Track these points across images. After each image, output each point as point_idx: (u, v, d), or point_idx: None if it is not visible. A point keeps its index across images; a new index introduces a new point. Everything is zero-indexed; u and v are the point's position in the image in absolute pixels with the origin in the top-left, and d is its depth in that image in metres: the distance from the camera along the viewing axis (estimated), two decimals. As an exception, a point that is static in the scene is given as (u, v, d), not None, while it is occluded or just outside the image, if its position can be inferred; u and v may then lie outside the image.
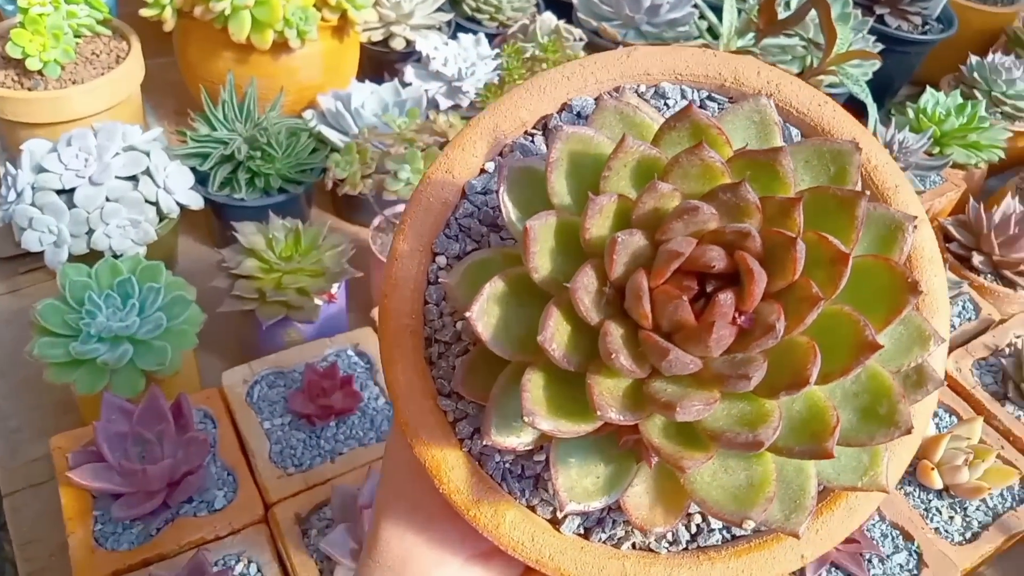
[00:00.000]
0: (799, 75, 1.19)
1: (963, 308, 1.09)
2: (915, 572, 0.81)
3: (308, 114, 1.14)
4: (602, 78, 0.36)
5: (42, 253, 0.96)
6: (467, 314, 0.28)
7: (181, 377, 0.91)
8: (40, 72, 1.07)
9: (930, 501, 0.88)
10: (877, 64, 1.41)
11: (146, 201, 0.99)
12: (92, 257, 0.94)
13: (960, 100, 1.33)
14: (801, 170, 0.31)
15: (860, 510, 0.33)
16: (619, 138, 0.30)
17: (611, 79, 0.36)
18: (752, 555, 0.32)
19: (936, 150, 1.30)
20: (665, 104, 0.37)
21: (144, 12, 1.12)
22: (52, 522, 0.84)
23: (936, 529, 0.85)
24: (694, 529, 0.33)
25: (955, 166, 1.30)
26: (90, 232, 0.96)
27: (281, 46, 1.15)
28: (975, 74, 1.46)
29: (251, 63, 1.17)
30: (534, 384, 0.28)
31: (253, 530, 0.74)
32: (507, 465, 0.33)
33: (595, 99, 0.37)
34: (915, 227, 0.29)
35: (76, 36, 1.11)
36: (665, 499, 0.30)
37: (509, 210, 0.31)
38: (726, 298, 0.27)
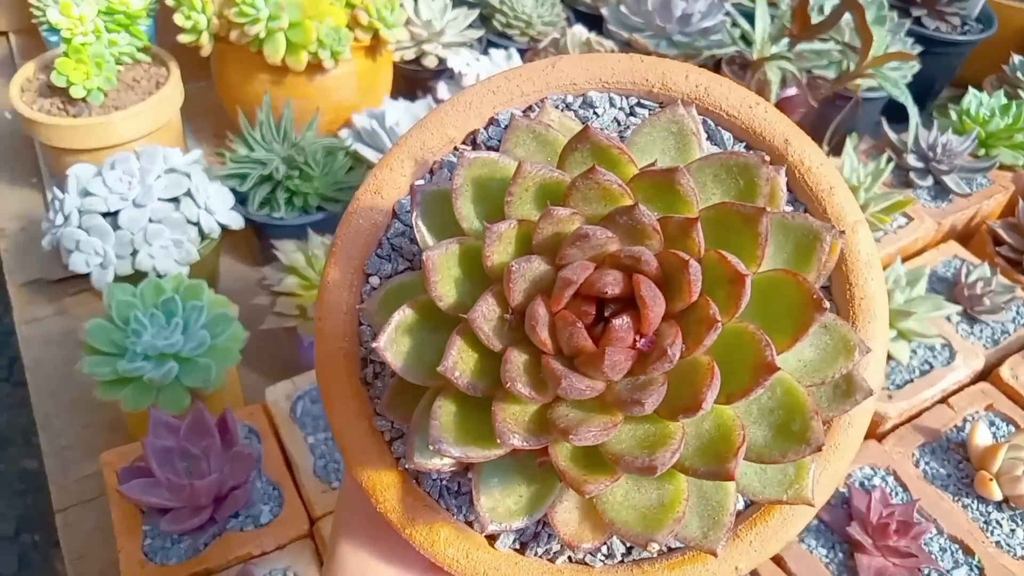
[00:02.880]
0: (836, 80, 1.18)
1: (1017, 313, 1.06)
2: (976, 586, 0.78)
3: (344, 133, 1.16)
4: (528, 90, 0.36)
5: (89, 275, 0.98)
6: (375, 344, 0.28)
7: (225, 394, 0.91)
8: (84, 99, 1.10)
9: (990, 513, 0.85)
10: (916, 66, 1.39)
11: (188, 222, 1.01)
12: (136, 277, 0.96)
13: (1004, 100, 1.30)
14: (711, 184, 0.30)
15: (794, 521, 0.32)
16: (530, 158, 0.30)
17: (536, 91, 0.36)
18: (686, 567, 0.32)
19: (981, 152, 1.27)
20: (594, 113, 0.36)
21: (182, 38, 1.15)
22: (103, 538, 0.85)
23: (997, 543, 0.82)
24: (629, 543, 0.32)
25: (1002, 168, 1.27)
26: (134, 253, 0.98)
27: (315, 67, 1.17)
28: (1019, 73, 1.42)
29: (287, 84, 1.18)
30: (444, 411, 0.28)
31: (298, 544, 0.74)
32: (444, 482, 0.33)
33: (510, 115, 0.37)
34: (836, 234, 0.29)
35: (118, 64, 1.14)
36: (593, 515, 0.30)
37: (424, 235, 0.31)
38: (621, 323, 0.27)
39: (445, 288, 0.29)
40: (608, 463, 0.28)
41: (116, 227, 0.98)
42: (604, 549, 0.32)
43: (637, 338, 0.28)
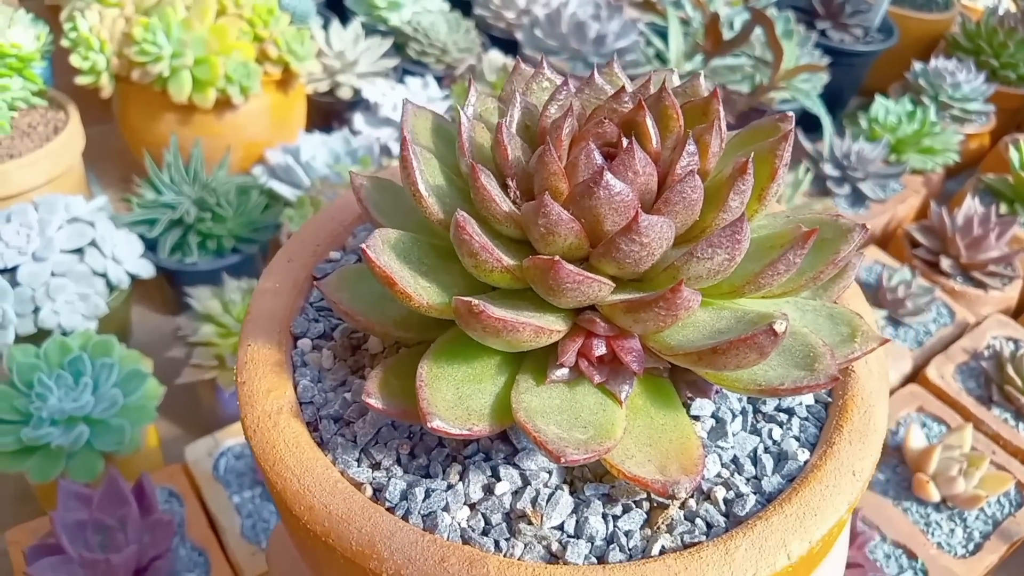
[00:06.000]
0: (750, 94, 1.19)
1: (938, 314, 1.09)
2: (922, 590, 0.78)
3: (257, 170, 1.11)
4: None
5: (-14, 337, 0.92)
6: (370, 254, 0.28)
7: (142, 454, 0.86)
8: (-26, 149, 1.03)
9: (929, 515, 0.86)
10: (826, 78, 1.42)
11: (94, 273, 0.95)
12: (40, 336, 0.89)
13: (910, 106, 1.35)
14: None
15: (874, 421, 0.33)
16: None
17: None
18: (805, 492, 0.29)
19: (893, 157, 1.30)
20: None
21: (80, 80, 1.09)
22: (12, 625, 0.78)
23: (938, 544, 0.83)
24: (723, 505, 0.30)
25: (913, 172, 1.30)
26: (36, 310, 0.92)
27: (224, 104, 1.13)
28: (920, 80, 1.47)
29: (195, 123, 1.14)
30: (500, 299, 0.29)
31: (228, 614, 0.70)
32: (464, 523, 0.29)
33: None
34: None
35: (11, 109, 1.07)
36: (671, 448, 0.29)
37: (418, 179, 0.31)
38: (629, 142, 0.29)
39: (425, 185, 0.30)
40: (661, 278, 0.28)
41: (15, 284, 0.92)
42: (700, 522, 0.29)
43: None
